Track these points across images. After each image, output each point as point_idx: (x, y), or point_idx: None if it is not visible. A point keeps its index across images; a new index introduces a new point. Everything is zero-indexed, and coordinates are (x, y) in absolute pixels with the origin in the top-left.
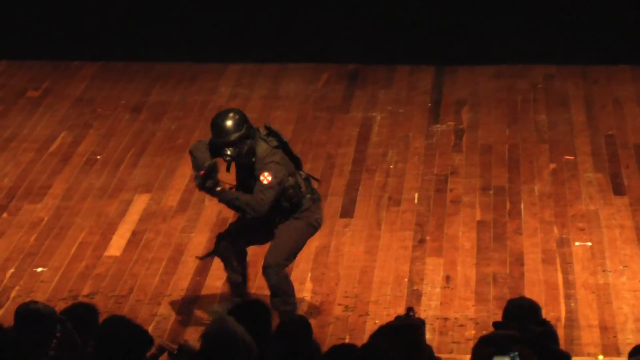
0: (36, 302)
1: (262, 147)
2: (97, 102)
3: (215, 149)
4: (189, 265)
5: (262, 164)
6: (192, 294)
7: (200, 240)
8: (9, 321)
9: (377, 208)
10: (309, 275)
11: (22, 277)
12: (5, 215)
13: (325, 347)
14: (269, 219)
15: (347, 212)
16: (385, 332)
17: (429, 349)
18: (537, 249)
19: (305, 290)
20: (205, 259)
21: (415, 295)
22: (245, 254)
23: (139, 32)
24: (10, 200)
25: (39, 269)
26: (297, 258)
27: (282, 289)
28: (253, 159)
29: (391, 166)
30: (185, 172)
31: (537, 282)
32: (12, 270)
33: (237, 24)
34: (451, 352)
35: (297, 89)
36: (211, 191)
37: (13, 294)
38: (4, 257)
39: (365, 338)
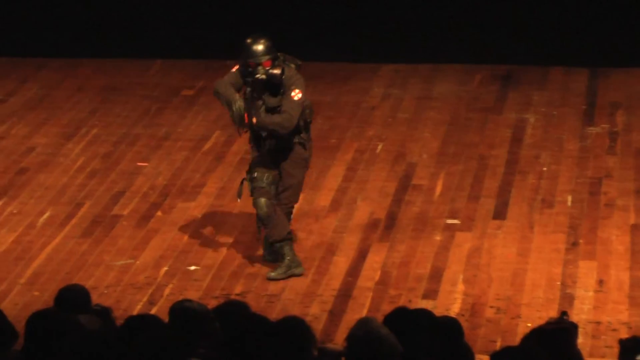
0: (191, 301)
1: (287, 69)
2: None
3: (246, 73)
4: (340, 265)
5: (291, 82)
6: (343, 295)
7: (352, 240)
8: (163, 319)
9: (529, 210)
10: (461, 277)
11: (175, 275)
12: (159, 213)
13: (477, 350)
14: (278, 153)
15: (499, 214)
16: (537, 335)
17: (579, 354)
18: None
19: (457, 292)
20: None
21: (568, 298)
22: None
23: (292, 31)
24: (164, 198)
25: (192, 267)
26: (448, 259)
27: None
28: (282, 79)
29: (544, 168)
30: (338, 172)
31: None
32: (165, 268)
33: (391, 24)
34: (603, 356)
35: (450, 90)
36: (249, 125)
37: (166, 291)
38: (157, 255)
39: (517, 341)
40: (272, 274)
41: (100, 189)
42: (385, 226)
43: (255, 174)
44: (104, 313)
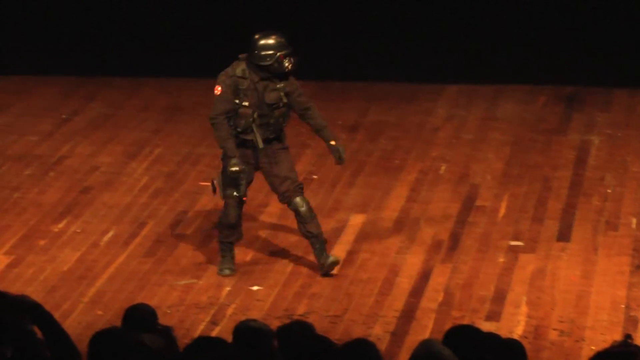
0: (255, 320)
1: None
2: None
3: (278, 64)
4: (403, 286)
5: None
6: (406, 316)
7: (415, 261)
8: (226, 339)
9: (594, 232)
10: (525, 299)
11: (238, 295)
12: None
13: None
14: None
15: (563, 236)
16: (602, 359)
17: None
18: None
19: (520, 314)
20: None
21: (632, 321)
22: None
23: (358, 52)
24: None
25: (255, 287)
26: (512, 281)
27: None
28: None
29: (609, 190)
30: (401, 193)
31: None
32: (228, 288)
33: (455, 45)
34: None
35: (514, 111)
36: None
37: (229, 311)
38: (220, 275)
39: None
40: (227, 272)
41: (163, 208)
42: (449, 247)
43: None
44: (166, 333)
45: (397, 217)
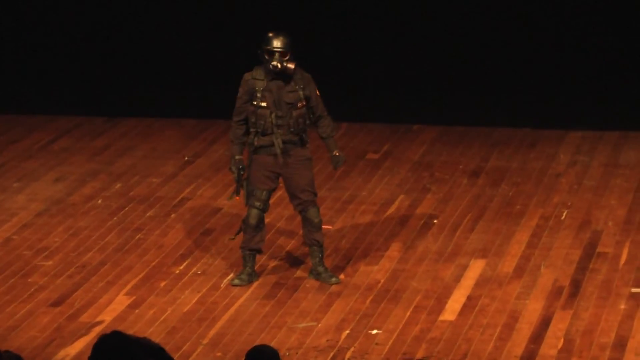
0: None
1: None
2: (435, 166)
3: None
4: (523, 332)
5: (306, 79)
6: None
7: (535, 307)
8: None
9: None
10: None
11: (357, 338)
12: (342, 276)
13: None
14: (284, 156)
15: None
16: None
17: None
18: None
19: None
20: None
21: None
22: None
23: (480, 98)
24: (347, 261)
25: (374, 331)
26: (633, 328)
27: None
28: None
29: None
30: (522, 238)
31: None
32: (347, 332)
33: (578, 91)
34: None
35: (638, 157)
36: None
37: (348, 355)
38: (340, 318)
39: None
40: (236, 281)
41: (283, 251)
42: (569, 293)
43: (255, 192)
44: None
45: (518, 262)
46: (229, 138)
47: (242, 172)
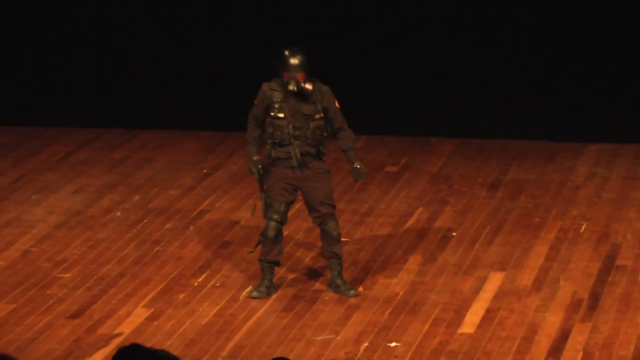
0: None
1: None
2: (454, 178)
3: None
4: (542, 345)
5: (325, 92)
6: None
7: (554, 320)
8: None
9: None
10: None
11: (375, 351)
12: (360, 289)
13: None
14: (302, 168)
15: None
16: None
17: None
18: None
19: None
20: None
21: None
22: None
23: (497, 110)
24: (366, 274)
25: (393, 344)
26: None
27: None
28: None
29: None
30: (540, 251)
31: None
32: (366, 344)
33: (597, 103)
34: None
35: None
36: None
37: None
38: (358, 331)
39: None
40: (254, 294)
41: (302, 263)
42: (588, 306)
43: (274, 204)
44: None
45: (537, 275)
46: (246, 138)
47: (261, 172)
